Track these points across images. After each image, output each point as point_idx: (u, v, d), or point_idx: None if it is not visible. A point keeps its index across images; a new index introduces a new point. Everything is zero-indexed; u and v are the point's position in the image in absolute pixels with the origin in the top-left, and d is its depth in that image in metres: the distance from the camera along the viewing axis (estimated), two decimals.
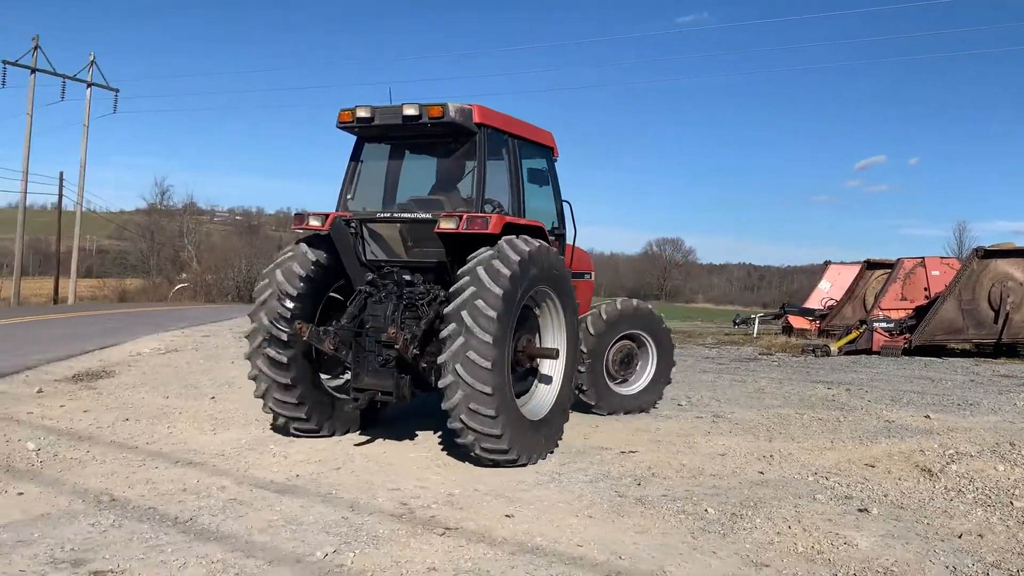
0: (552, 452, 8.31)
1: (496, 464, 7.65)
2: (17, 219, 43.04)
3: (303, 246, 8.56)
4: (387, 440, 8.72)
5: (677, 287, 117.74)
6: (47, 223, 57.77)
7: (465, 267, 7.61)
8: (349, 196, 8.91)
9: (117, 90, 46.70)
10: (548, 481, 7.43)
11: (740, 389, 13.77)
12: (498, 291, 7.34)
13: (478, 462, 7.70)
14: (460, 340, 7.26)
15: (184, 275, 55.97)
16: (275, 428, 8.98)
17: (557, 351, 8.52)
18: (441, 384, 7.42)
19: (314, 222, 8.35)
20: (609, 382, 10.60)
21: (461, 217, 7.64)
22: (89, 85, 45.26)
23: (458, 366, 7.26)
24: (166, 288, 52.02)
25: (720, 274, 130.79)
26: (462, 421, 7.36)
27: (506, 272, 7.44)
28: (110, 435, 8.68)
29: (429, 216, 8.21)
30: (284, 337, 8.03)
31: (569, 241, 9.87)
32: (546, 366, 8.67)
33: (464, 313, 7.31)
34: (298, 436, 8.58)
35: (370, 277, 8.56)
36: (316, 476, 7.34)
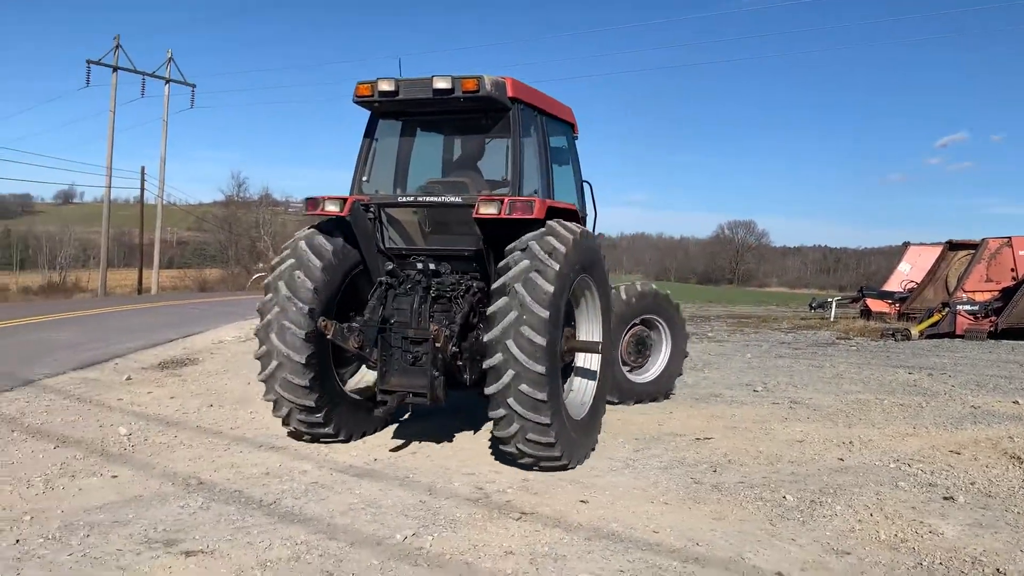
0: (588, 457, 7.58)
1: (537, 462, 6.96)
2: (103, 213, 44.69)
3: (304, 245, 7.66)
4: (461, 426, 8.82)
5: (750, 271, 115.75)
6: (130, 216, 59.86)
7: (513, 244, 7.04)
8: (364, 178, 8.12)
9: (194, 86, 48.09)
10: (622, 467, 7.42)
11: (817, 374, 13.49)
12: (555, 267, 6.77)
13: (516, 460, 7.04)
14: (513, 315, 6.63)
15: (261, 265, 57.33)
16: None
17: (599, 345, 7.89)
18: (488, 364, 6.76)
19: (331, 207, 7.57)
20: (622, 369, 10.09)
21: (502, 201, 6.97)
22: (167, 82, 46.65)
23: (509, 342, 6.61)
24: (244, 278, 53.37)
25: (794, 257, 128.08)
26: (509, 406, 6.68)
27: (561, 249, 6.88)
28: (196, 420, 8.99)
29: (459, 200, 7.53)
30: (302, 360, 7.29)
31: (589, 225, 9.09)
32: (582, 361, 8.03)
33: (518, 286, 6.70)
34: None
35: (390, 267, 7.94)
36: (393, 460, 7.48)
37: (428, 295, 7.57)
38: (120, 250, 67.61)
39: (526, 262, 6.79)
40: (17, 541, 5.28)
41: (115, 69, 43.35)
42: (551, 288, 6.69)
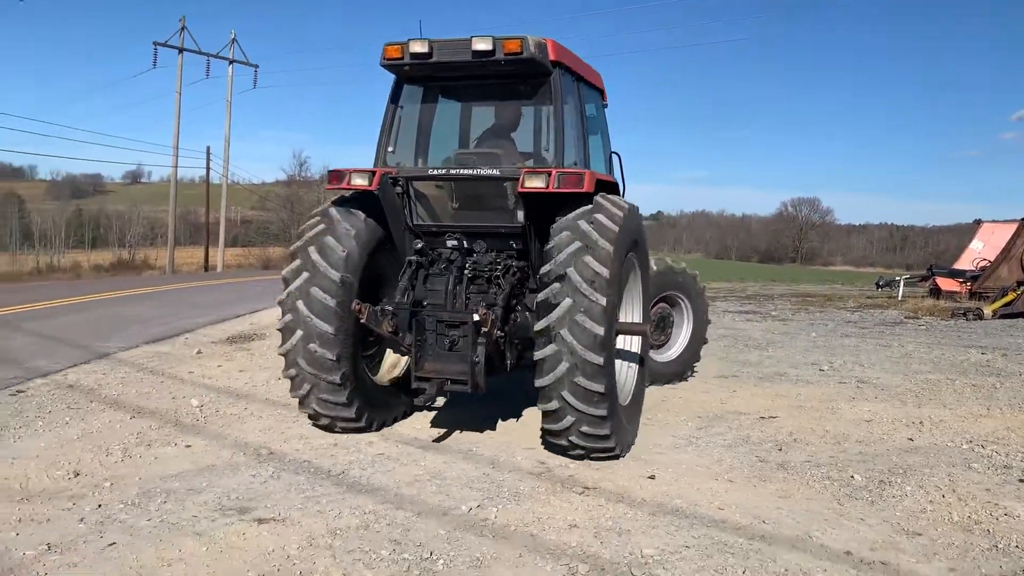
0: (633, 443, 7.23)
1: (587, 454, 6.61)
2: (170, 193, 45.81)
3: (336, 214, 7.14)
4: (523, 401, 8.86)
5: (814, 249, 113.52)
6: (196, 195, 61.20)
7: (560, 223, 6.56)
8: (390, 149, 7.49)
9: (257, 66, 48.85)
10: (685, 445, 7.38)
11: (885, 354, 13.19)
12: (608, 248, 6.28)
13: (566, 452, 6.68)
14: (567, 302, 6.17)
15: None
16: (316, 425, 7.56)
17: (645, 328, 7.57)
18: (540, 355, 6.30)
19: (359, 180, 6.97)
20: None
21: (549, 174, 6.46)
22: (231, 62, 47.43)
23: (564, 332, 6.16)
24: None
25: (860, 235, 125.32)
26: (563, 399, 6.25)
27: (613, 228, 6.39)
28: (264, 393, 9.21)
29: (497, 173, 7.00)
30: (332, 331, 6.75)
31: None
32: (623, 344, 7.52)
33: (572, 271, 6.22)
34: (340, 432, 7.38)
35: (419, 246, 7.50)
36: (457, 434, 7.56)
37: (463, 276, 7.22)
38: (186, 228, 69.19)
39: (577, 243, 6.30)
40: (99, 506, 5.49)
41: (180, 51, 44.23)
42: (606, 272, 6.22)
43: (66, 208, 78.02)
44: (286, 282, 7.03)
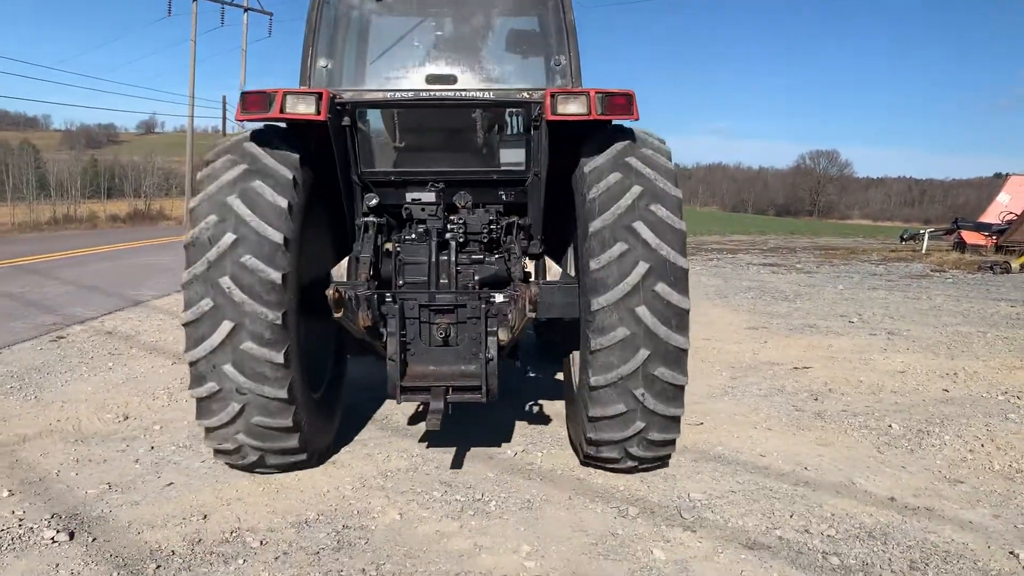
0: None
1: (638, 467, 5.18)
2: (186, 142, 45.77)
3: (257, 150, 4.85)
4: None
5: (831, 202, 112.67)
6: (211, 145, 61.03)
7: (596, 163, 4.92)
8: (323, 63, 5.44)
9: (271, 14, 48.53)
10: (721, 394, 7.43)
11: (914, 306, 13.16)
12: (676, 193, 4.82)
13: (613, 464, 5.14)
14: (642, 267, 4.60)
15: None
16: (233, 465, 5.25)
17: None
18: (600, 343, 4.66)
19: (302, 107, 4.69)
20: None
21: (588, 95, 4.73)
22: (246, 10, 46.97)
23: (641, 310, 4.61)
24: None
25: (878, 188, 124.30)
26: (635, 399, 4.73)
27: (671, 167, 4.97)
28: None
29: (508, 96, 5.24)
30: (276, 319, 4.57)
31: None
32: None
33: (640, 226, 4.64)
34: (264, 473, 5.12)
35: (374, 202, 5.53)
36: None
37: (448, 241, 5.48)
38: None
39: (637, 188, 4.73)
40: (152, 448, 5.62)
41: None
42: (681, 224, 4.76)
43: (81, 158, 78.02)
44: (194, 250, 4.63)
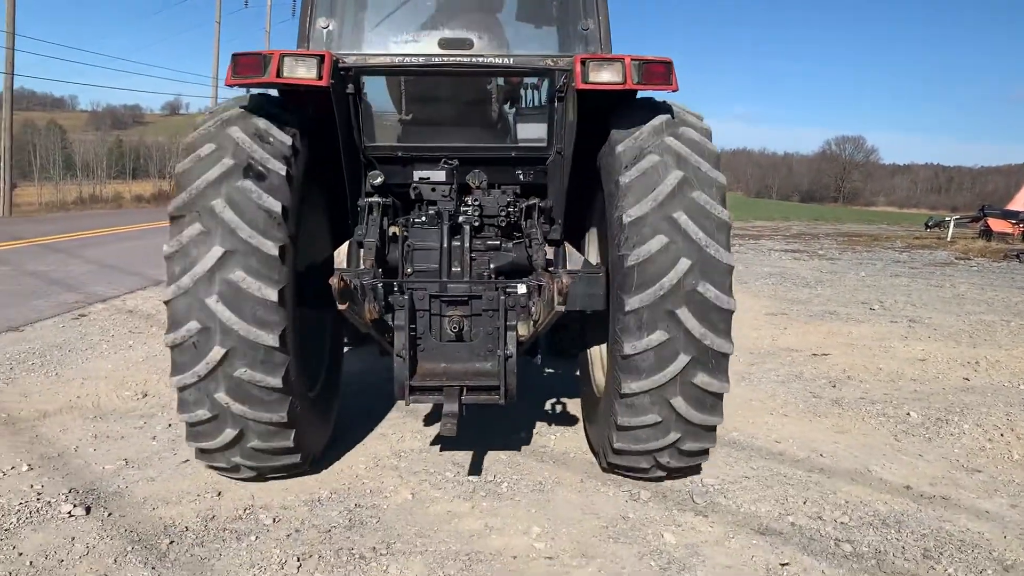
0: None
1: (667, 477, 4.79)
2: None
3: (244, 134, 4.25)
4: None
5: (856, 189, 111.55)
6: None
7: (636, 140, 4.39)
8: (324, 24, 4.91)
9: None
10: (737, 380, 7.35)
11: (937, 294, 13.02)
12: (721, 179, 4.38)
13: (643, 474, 4.73)
14: (684, 263, 4.14)
15: None
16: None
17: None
18: (636, 347, 4.20)
19: (303, 71, 4.22)
20: None
21: (623, 61, 4.22)
22: None
23: (683, 310, 4.16)
24: None
25: (904, 175, 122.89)
26: (671, 408, 4.31)
27: (713, 150, 4.48)
28: None
29: (509, 63, 4.79)
30: (274, 341, 4.09)
31: None
32: None
33: (682, 216, 4.17)
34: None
35: (378, 180, 5.12)
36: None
37: (462, 225, 5.08)
38: None
39: (679, 172, 4.25)
40: (169, 425, 5.68)
41: None
42: (726, 215, 4.33)
43: (107, 138, 78.62)
44: (177, 263, 4.08)
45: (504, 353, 4.45)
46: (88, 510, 4.23)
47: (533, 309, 4.40)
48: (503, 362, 4.44)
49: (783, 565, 3.85)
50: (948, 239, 25.57)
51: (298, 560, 3.78)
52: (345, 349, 6.25)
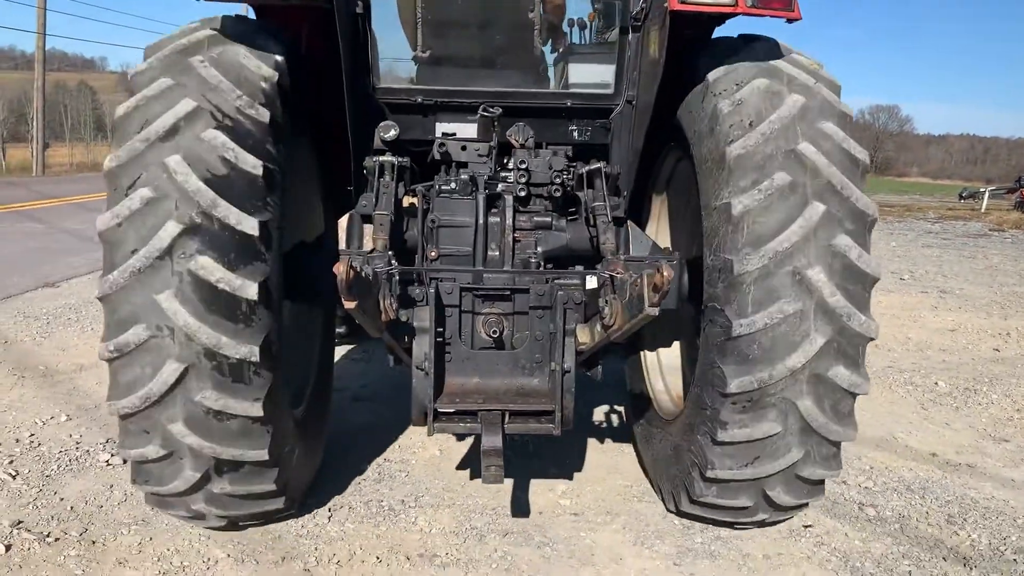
0: None
1: (772, 520, 3.75)
2: None
3: (214, 68, 3.07)
4: None
5: (889, 159, 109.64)
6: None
7: (735, 66, 3.34)
8: None
9: None
10: None
11: (969, 265, 12.86)
12: (848, 111, 3.37)
13: (762, 523, 3.73)
14: (816, 208, 3.08)
15: None
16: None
17: None
18: (743, 325, 3.08)
19: None
20: None
21: None
22: None
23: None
24: None
25: (938, 146, 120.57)
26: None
27: (834, 80, 3.43)
28: None
29: None
30: (253, 353, 3.00)
31: None
32: None
33: (807, 147, 3.13)
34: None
35: (392, 133, 3.97)
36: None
37: (505, 196, 3.89)
38: None
39: (799, 97, 3.23)
40: None
41: None
42: (862, 152, 3.32)
43: None
44: (115, 243, 2.93)
45: (561, 367, 3.33)
46: (125, 459, 4.33)
47: (606, 310, 3.16)
48: (559, 379, 3.32)
49: (806, 527, 3.89)
50: (982, 210, 25.16)
51: (329, 510, 3.87)
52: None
